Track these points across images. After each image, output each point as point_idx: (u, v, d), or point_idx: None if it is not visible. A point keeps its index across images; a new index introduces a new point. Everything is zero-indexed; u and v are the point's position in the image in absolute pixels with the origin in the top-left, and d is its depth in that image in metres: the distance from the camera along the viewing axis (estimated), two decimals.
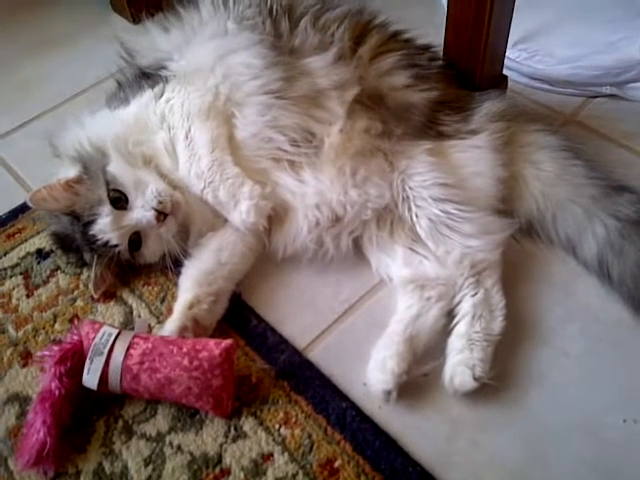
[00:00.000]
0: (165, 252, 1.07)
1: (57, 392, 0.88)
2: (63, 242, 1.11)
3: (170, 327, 0.97)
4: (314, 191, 1.06)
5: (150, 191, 1.02)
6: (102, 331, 0.91)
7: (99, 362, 0.88)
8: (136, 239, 1.05)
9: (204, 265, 1.05)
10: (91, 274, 1.07)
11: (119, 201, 1.03)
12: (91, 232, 1.03)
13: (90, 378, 0.88)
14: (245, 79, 1.06)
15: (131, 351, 0.89)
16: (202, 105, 1.06)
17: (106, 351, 0.88)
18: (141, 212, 1.02)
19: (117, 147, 1.06)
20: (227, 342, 0.90)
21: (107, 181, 1.03)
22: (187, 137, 1.05)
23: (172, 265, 1.07)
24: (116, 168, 1.04)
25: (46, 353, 0.93)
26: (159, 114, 1.07)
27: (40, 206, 1.06)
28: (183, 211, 1.06)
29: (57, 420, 0.88)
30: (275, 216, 1.08)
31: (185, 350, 0.89)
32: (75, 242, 1.07)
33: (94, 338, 0.90)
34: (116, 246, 1.03)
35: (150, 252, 1.07)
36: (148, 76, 1.12)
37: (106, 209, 1.02)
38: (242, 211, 1.02)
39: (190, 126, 1.05)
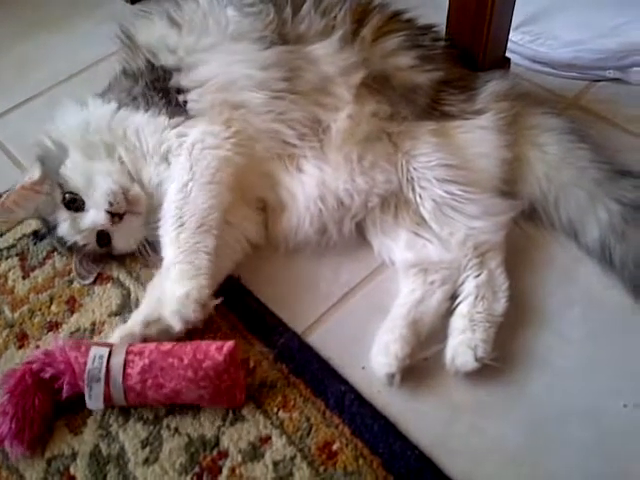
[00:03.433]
0: (139, 242, 1.06)
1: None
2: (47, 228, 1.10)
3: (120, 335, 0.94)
4: (316, 182, 1.04)
5: (100, 193, 1.01)
6: (92, 355, 0.86)
7: (98, 388, 0.85)
8: (104, 235, 1.04)
9: None
10: (72, 267, 1.08)
11: (74, 202, 1.02)
12: (58, 235, 1.04)
13: (94, 403, 0.86)
14: (254, 100, 1.04)
15: (128, 370, 0.85)
16: (212, 161, 1.01)
17: (102, 376, 0.84)
18: (94, 214, 1.01)
19: (75, 138, 1.04)
20: (229, 345, 0.87)
21: (60, 184, 1.02)
22: (182, 191, 0.99)
23: (149, 252, 1.06)
24: (69, 169, 1.03)
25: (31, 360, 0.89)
26: (165, 147, 1.03)
27: (9, 216, 1.07)
28: (144, 205, 1.03)
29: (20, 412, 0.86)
30: (273, 211, 1.07)
31: (187, 362, 0.85)
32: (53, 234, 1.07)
33: (85, 363, 0.85)
34: (85, 245, 1.04)
35: (122, 245, 1.06)
36: (165, 93, 1.06)
37: (63, 213, 1.02)
38: (172, 299, 0.91)
39: (189, 181, 0.99)
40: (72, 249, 1.06)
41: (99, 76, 1.20)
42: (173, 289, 0.92)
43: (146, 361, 0.85)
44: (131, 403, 0.88)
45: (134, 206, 1.02)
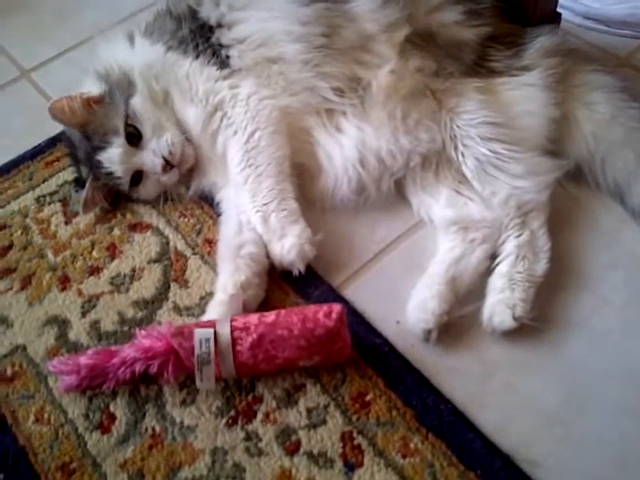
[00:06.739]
0: (160, 194, 1.09)
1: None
2: (70, 149, 1.13)
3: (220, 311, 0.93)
4: (355, 144, 1.03)
5: (165, 139, 1.02)
6: (198, 339, 0.84)
7: (209, 370, 0.84)
8: (137, 176, 1.06)
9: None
10: (83, 193, 1.08)
11: (133, 137, 1.03)
12: (98, 157, 1.03)
13: (205, 384, 0.85)
14: (290, 52, 1.04)
15: (238, 348, 0.84)
16: (273, 111, 1.03)
17: (212, 358, 0.83)
18: (150, 156, 1.03)
19: (145, 78, 1.05)
20: (337, 310, 0.85)
21: (127, 114, 1.02)
22: (250, 140, 1.02)
23: (163, 203, 1.10)
24: (139, 103, 1.04)
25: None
26: (218, 98, 1.03)
27: (57, 117, 1.06)
28: (191, 164, 1.07)
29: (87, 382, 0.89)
30: (310, 174, 1.07)
31: (297, 332, 0.84)
32: (78, 155, 1.09)
33: (190, 347, 0.84)
34: (118, 178, 1.05)
35: (146, 192, 1.09)
36: (210, 44, 1.06)
37: (119, 141, 1.03)
38: (285, 247, 0.96)
39: (255, 131, 1.02)
40: (95, 176, 1.07)
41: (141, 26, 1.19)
42: (281, 237, 0.97)
43: (254, 336, 0.84)
44: (242, 376, 0.89)
45: (183, 163, 1.05)
